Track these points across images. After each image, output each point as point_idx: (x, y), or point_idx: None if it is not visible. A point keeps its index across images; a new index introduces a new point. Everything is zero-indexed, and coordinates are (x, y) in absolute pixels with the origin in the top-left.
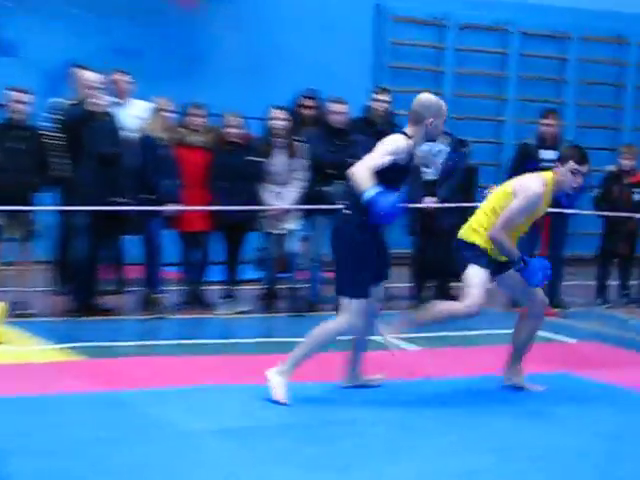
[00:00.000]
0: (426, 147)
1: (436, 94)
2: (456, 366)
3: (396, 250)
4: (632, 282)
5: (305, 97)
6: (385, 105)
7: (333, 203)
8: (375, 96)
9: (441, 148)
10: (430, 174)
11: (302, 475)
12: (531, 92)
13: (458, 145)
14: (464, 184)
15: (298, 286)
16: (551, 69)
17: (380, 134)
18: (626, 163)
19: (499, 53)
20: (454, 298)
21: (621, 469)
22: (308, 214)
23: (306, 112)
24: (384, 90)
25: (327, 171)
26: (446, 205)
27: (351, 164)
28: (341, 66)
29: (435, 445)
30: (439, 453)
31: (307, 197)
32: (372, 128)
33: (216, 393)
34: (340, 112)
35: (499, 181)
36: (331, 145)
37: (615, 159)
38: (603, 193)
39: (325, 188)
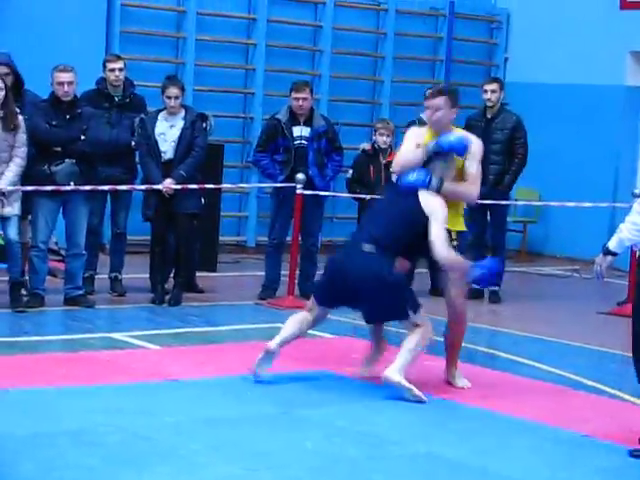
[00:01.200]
0: (165, 124)
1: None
2: (202, 366)
3: (134, 237)
4: None
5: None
6: (118, 74)
7: (59, 184)
8: (108, 65)
9: (174, 123)
10: (167, 152)
11: None
12: (280, 62)
13: (198, 119)
14: (207, 163)
15: (20, 278)
16: (303, 37)
17: (119, 106)
18: (382, 140)
19: (244, 18)
20: (199, 290)
21: (372, 471)
22: (29, 197)
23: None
24: (118, 58)
25: (53, 149)
26: (186, 187)
27: (80, 140)
28: (72, 32)
29: (179, 455)
30: (183, 463)
31: (28, 177)
32: (108, 100)
33: None
34: (66, 82)
35: (247, 159)
36: (56, 119)
37: (370, 136)
38: (358, 174)
39: (53, 168)
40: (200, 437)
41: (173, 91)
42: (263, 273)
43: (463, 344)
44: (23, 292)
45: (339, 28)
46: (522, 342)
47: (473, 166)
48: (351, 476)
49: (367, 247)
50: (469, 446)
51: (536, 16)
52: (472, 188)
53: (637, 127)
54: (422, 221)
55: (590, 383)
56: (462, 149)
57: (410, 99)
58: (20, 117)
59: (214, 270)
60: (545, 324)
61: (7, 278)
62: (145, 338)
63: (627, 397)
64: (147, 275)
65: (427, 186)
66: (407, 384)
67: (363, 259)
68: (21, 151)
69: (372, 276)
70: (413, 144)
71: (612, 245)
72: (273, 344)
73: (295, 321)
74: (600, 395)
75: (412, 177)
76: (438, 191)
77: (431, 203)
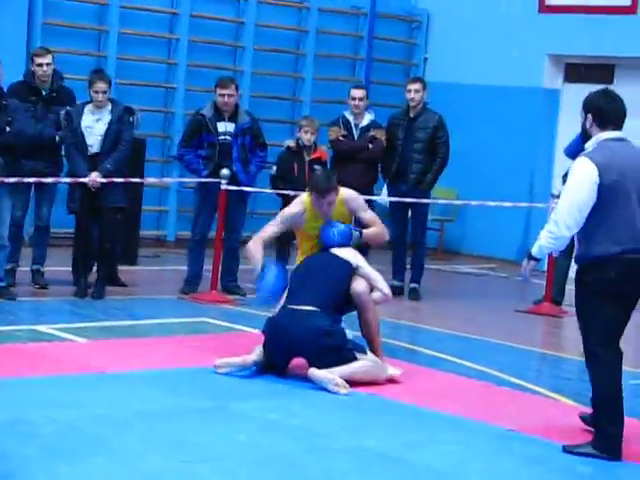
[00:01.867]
0: (91, 116)
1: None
2: (130, 359)
3: (57, 230)
4: None
5: None
6: (46, 68)
7: None
8: (36, 59)
9: (101, 117)
10: (94, 146)
11: None
12: (203, 57)
13: (124, 113)
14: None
15: None
16: (226, 33)
17: (46, 100)
18: (306, 138)
19: (167, 12)
20: (121, 283)
21: (307, 465)
22: None
23: None
24: (47, 52)
25: None
26: (112, 180)
27: (4, 132)
28: None
29: (112, 447)
30: (117, 455)
31: None
32: (35, 93)
33: None
34: None
35: (169, 154)
36: None
37: (293, 133)
38: (282, 170)
39: None
40: (133, 429)
41: (100, 85)
42: (184, 267)
43: (385, 340)
44: None
45: (261, 25)
46: (444, 339)
47: (369, 212)
48: (287, 469)
49: (307, 308)
50: (399, 440)
51: (456, 17)
52: (382, 226)
53: (554, 129)
54: (349, 272)
55: (512, 379)
56: (348, 239)
57: (331, 97)
58: None
59: (134, 264)
60: (465, 322)
61: None
62: (70, 331)
63: (547, 393)
64: (69, 268)
65: (351, 240)
66: (330, 375)
67: (307, 317)
68: None
69: (319, 331)
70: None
71: (534, 251)
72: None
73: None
74: (522, 391)
75: (335, 236)
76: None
77: (348, 253)
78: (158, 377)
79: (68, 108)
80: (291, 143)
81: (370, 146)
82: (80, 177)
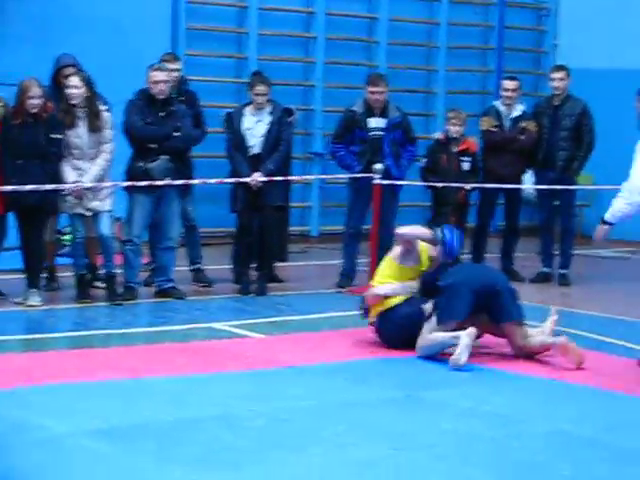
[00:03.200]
0: (252, 117)
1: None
2: (312, 352)
3: (218, 228)
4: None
5: (66, 66)
6: (174, 74)
7: (155, 179)
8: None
9: (261, 118)
10: (255, 147)
11: (190, 474)
12: (339, 54)
13: (284, 114)
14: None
15: (113, 272)
16: (360, 29)
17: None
18: (454, 130)
19: (305, 12)
20: (279, 280)
21: (514, 449)
22: (128, 192)
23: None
24: (173, 56)
25: (148, 145)
26: (274, 179)
27: (174, 137)
28: (138, 29)
29: (324, 437)
30: (331, 444)
31: (126, 174)
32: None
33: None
34: (162, 80)
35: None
36: (151, 116)
37: (427, 125)
38: (431, 163)
39: (148, 165)
40: (340, 419)
41: (261, 88)
42: (331, 262)
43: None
44: (99, 285)
45: (394, 19)
46: (605, 323)
47: None
48: (496, 454)
49: None
50: (593, 423)
51: (585, 2)
52: None
53: None
54: None
55: None
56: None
57: (464, 87)
58: (105, 114)
59: (285, 260)
60: (623, 305)
61: (73, 272)
62: (245, 327)
63: None
64: (222, 266)
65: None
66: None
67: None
68: (107, 147)
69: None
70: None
71: (607, 216)
72: None
73: None
74: None
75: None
76: None
77: None
78: (343, 369)
79: (229, 110)
80: (440, 135)
81: (521, 137)
82: (243, 177)
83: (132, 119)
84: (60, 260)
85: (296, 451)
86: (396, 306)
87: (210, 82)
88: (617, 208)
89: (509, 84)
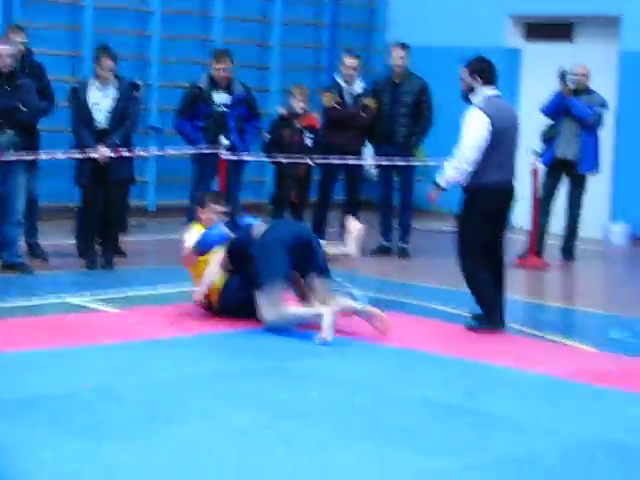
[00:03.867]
0: (98, 92)
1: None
2: (173, 325)
3: (62, 203)
4: None
5: None
6: (19, 47)
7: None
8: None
9: (107, 92)
10: (101, 122)
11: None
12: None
13: (130, 89)
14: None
15: None
16: (197, 3)
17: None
18: (298, 105)
19: None
20: (122, 253)
21: (385, 416)
22: None
23: None
24: (18, 28)
25: None
26: (120, 154)
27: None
28: None
29: (198, 407)
30: (207, 415)
31: None
32: None
33: None
34: (6, 54)
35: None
36: None
37: (285, 101)
38: (273, 137)
39: None
40: (211, 390)
41: (108, 63)
42: (169, 236)
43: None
44: None
45: None
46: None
47: None
48: (367, 421)
49: None
50: (453, 390)
51: None
52: None
53: (516, 88)
54: None
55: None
56: (219, 242)
57: (297, 63)
58: None
59: (125, 233)
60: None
61: None
62: (99, 301)
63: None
64: (61, 241)
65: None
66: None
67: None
68: None
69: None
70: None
71: (441, 181)
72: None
73: None
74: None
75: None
76: None
77: None
78: (204, 341)
79: (75, 84)
80: (283, 110)
81: (363, 114)
82: (89, 151)
83: None
84: None
85: (175, 423)
86: (227, 285)
87: (49, 55)
88: (448, 175)
89: (350, 61)
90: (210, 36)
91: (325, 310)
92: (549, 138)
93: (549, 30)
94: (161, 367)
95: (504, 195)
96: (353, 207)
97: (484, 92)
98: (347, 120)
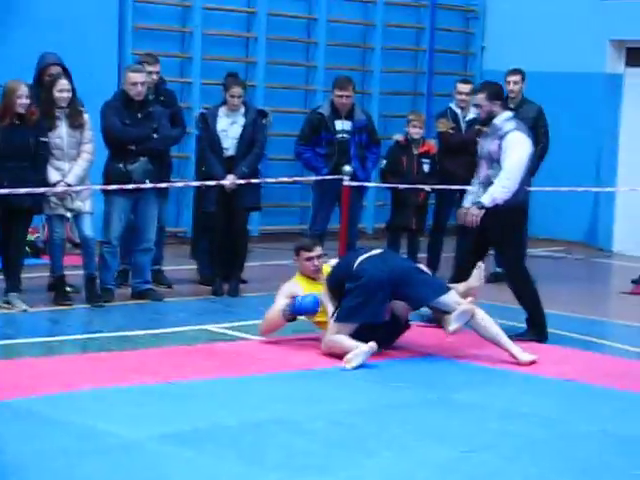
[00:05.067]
0: (226, 119)
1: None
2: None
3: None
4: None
5: (53, 64)
6: (153, 76)
7: (136, 182)
8: (147, 67)
9: (235, 120)
10: (229, 149)
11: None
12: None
13: (258, 116)
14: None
15: (95, 273)
16: (300, 30)
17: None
18: (414, 131)
19: (246, 12)
20: (243, 281)
21: (574, 450)
22: (106, 193)
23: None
24: (152, 57)
25: (127, 147)
26: (250, 181)
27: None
28: (86, 27)
29: (387, 439)
30: (398, 447)
31: (104, 175)
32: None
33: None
34: (139, 82)
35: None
36: (129, 118)
37: (402, 128)
38: (391, 164)
39: (128, 167)
40: (394, 421)
41: (237, 90)
42: (278, 262)
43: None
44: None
45: (333, 20)
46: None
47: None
48: (557, 455)
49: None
50: (630, 422)
51: (514, 5)
52: None
53: (618, 113)
54: None
55: None
56: (313, 311)
57: (396, 89)
58: (86, 115)
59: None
60: (582, 305)
61: (48, 274)
62: (240, 329)
63: None
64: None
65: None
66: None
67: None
68: (88, 147)
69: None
70: (283, 301)
71: (487, 201)
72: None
73: None
74: None
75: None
76: None
77: None
78: (364, 371)
79: (203, 111)
80: (400, 137)
81: (479, 139)
82: (217, 179)
83: (111, 120)
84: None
85: (372, 455)
86: None
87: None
88: (498, 195)
89: (463, 87)
90: (312, 62)
91: (365, 345)
92: None
93: None
94: (334, 397)
95: (527, 211)
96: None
97: (507, 115)
98: (463, 146)
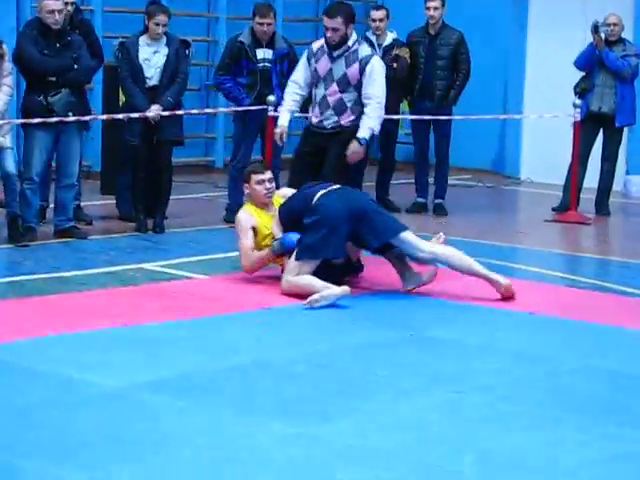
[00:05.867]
0: (148, 48)
1: None
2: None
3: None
4: None
5: None
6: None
7: (58, 115)
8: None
9: (158, 49)
10: (152, 78)
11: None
12: None
13: (181, 46)
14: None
15: (17, 212)
16: None
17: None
18: None
19: None
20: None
21: (575, 387)
22: (26, 128)
23: None
24: None
25: (47, 79)
26: (177, 113)
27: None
28: None
29: (377, 381)
30: (392, 390)
31: (22, 109)
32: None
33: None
34: (57, 9)
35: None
36: (47, 48)
37: None
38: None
39: (50, 99)
40: (377, 361)
41: (162, 18)
42: (195, 195)
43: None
44: None
45: None
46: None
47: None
48: (558, 394)
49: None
50: (613, 355)
51: None
52: None
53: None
54: None
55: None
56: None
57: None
58: (5, 46)
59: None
60: (513, 234)
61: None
62: (175, 267)
63: None
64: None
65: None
66: None
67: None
68: (8, 80)
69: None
70: (250, 234)
71: (368, 135)
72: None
73: None
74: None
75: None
76: None
77: None
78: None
79: (123, 39)
80: None
81: (395, 65)
82: (139, 110)
83: (29, 50)
84: None
85: (366, 399)
86: None
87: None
88: (377, 126)
89: (376, 14)
90: None
91: (338, 288)
92: (582, 91)
93: None
94: (307, 338)
95: None
96: (387, 164)
97: (355, 37)
98: None
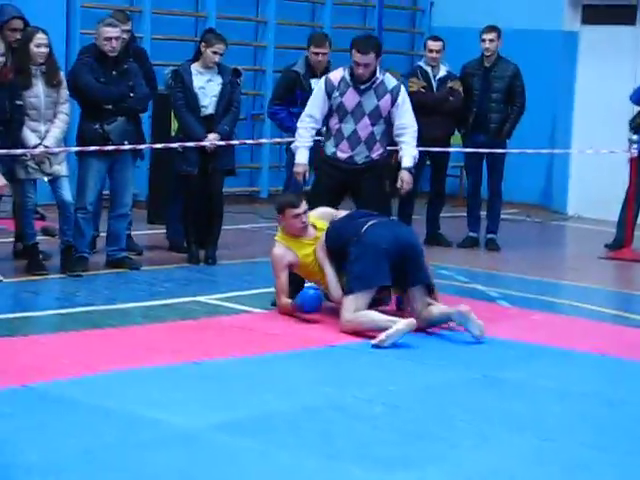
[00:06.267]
0: (202, 76)
1: None
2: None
3: None
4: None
5: (16, 17)
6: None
7: (114, 143)
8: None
9: (212, 77)
10: (208, 107)
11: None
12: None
13: (233, 75)
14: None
15: (72, 241)
16: None
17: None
18: None
19: None
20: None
21: None
22: (80, 156)
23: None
24: (122, 14)
25: (103, 107)
26: (232, 143)
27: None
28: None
29: (456, 426)
30: (475, 437)
31: (78, 137)
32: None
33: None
34: (114, 37)
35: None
36: (104, 76)
37: None
38: None
39: (106, 127)
40: (452, 405)
41: (221, 47)
42: (243, 226)
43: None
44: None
45: None
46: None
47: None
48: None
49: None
50: None
51: None
52: None
53: (573, 71)
54: None
55: None
56: (318, 309)
57: (347, 46)
58: (62, 73)
59: None
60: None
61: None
62: (232, 300)
63: None
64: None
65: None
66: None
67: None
68: (65, 107)
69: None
70: (284, 272)
71: (412, 164)
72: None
73: None
74: None
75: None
76: None
77: None
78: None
79: (175, 68)
80: None
81: (451, 98)
82: (198, 139)
83: (86, 78)
84: None
85: (451, 445)
86: None
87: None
88: (415, 153)
89: (434, 44)
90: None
91: (403, 320)
92: (638, 126)
93: (609, 11)
94: (378, 378)
95: None
96: (438, 198)
97: (378, 68)
98: (435, 105)
